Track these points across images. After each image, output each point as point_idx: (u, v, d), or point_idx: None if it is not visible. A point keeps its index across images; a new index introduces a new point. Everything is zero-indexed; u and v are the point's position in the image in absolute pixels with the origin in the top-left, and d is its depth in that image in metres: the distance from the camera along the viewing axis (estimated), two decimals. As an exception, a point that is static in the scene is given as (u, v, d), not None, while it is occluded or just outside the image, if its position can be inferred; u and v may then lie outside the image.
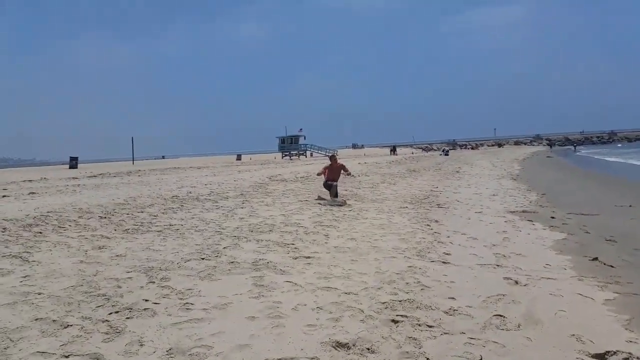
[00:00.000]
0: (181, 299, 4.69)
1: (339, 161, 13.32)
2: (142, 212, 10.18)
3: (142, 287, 5.07)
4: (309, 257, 6.23)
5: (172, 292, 4.89)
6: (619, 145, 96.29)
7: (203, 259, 6.16)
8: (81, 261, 6.08)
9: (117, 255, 6.39)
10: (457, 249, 6.96)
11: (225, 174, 25.02)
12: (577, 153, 66.33)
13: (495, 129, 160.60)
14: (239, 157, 69.60)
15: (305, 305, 4.44)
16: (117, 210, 10.42)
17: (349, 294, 4.75)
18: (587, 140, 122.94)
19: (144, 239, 7.41)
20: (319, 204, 11.52)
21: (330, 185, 12.31)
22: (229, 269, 5.67)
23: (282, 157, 67.43)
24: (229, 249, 6.71)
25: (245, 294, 4.78)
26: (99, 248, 6.82)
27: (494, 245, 7.26)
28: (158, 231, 8.04)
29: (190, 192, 13.80)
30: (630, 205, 11.69)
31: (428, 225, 8.75)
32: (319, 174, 12.83)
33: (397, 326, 3.98)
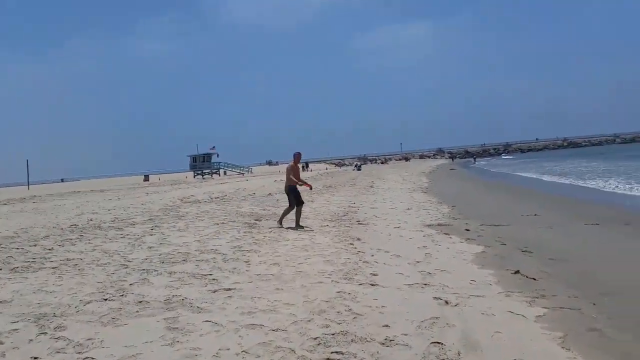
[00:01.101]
0: (79, 352, 3.96)
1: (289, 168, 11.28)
2: (35, 245, 9.01)
3: (31, 340, 4.25)
4: (229, 289, 5.69)
5: (68, 344, 4.14)
6: (504, 156, 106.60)
7: (106, 299, 5.39)
8: (-48, 313, 5.07)
9: (1, 302, 5.43)
10: (383, 268, 6.78)
11: (132, 196, 23.45)
12: (475, 165, 71.21)
13: (401, 144, 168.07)
14: (146, 178, 66.40)
15: (228, 349, 3.91)
16: (4, 244, 9.16)
17: (276, 330, 4.30)
18: (485, 152, 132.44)
19: (36, 279, 6.44)
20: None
21: (293, 189, 10.94)
22: (137, 311, 4.97)
23: (194, 176, 65.21)
24: (136, 285, 5.96)
25: (156, 340, 4.14)
26: (-22, 294, 5.77)
27: (418, 262, 7.18)
28: (53, 268, 7.06)
29: (91, 220, 12.58)
30: (535, 215, 12.38)
31: (351, 244, 8.53)
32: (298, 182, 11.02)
33: (334, 366, 3.61)
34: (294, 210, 10.99)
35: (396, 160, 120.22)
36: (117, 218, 12.85)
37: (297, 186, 11.13)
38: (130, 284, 5.99)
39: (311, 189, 11.78)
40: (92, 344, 4.14)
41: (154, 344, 4.07)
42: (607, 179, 24.14)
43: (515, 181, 30.01)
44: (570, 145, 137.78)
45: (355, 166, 70.74)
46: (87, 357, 3.87)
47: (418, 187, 25.90)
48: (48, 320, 4.75)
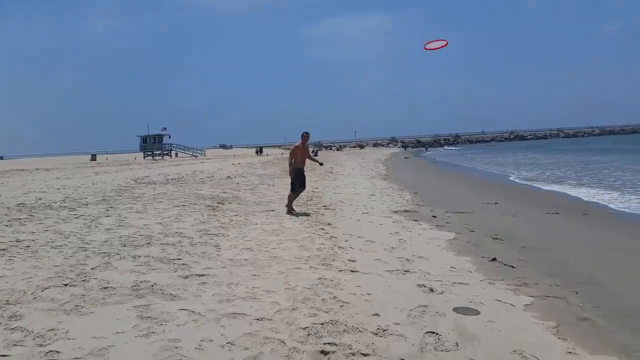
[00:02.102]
0: (41, 345, 3.53)
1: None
2: (-25, 225, 8.21)
3: (-20, 331, 3.77)
4: (202, 275, 5.32)
5: (27, 336, 3.69)
6: (446, 147, 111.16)
7: (66, 284, 4.90)
8: None
9: (-59, 287, 4.84)
10: (360, 254, 6.59)
11: (80, 176, 22.19)
12: (426, 154, 73.59)
13: (355, 132, 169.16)
14: (93, 157, 63.53)
15: (211, 341, 3.59)
16: (-61, 223, 8.30)
17: (261, 320, 4.01)
18: (436, 143, 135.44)
19: (-19, 262, 5.81)
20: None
21: (299, 172, 10.37)
22: (103, 297, 4.54)
23: (144, 157, 62.95)
24: (99, 269, 5.48)
25: (129, 331, 3.76)
26: None
27: (394, 248, 7.05)
28: (2, 250, 6.42)
29: (40, 199, 11.70)
30: (496, 203, 12.58)
31: (322, 229, 8.31)
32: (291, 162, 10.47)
33: (329, 359, 3.37)
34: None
35: (351, 147, 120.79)
36: (68, 197, 12.03)
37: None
38: (92, 268, 5.49)
39: (321, 164, 11.47)
40: (55, 335, 3.70)
41: (127, 335, 3.69)
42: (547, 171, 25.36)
43: (466, 171, 30.78)
44: (517, 137, 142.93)
45: (312, 152, 70.60)
46: (50, 351, 3.43)
47: (377, 173, 25.99)
48: (0, 308, 4.25)
